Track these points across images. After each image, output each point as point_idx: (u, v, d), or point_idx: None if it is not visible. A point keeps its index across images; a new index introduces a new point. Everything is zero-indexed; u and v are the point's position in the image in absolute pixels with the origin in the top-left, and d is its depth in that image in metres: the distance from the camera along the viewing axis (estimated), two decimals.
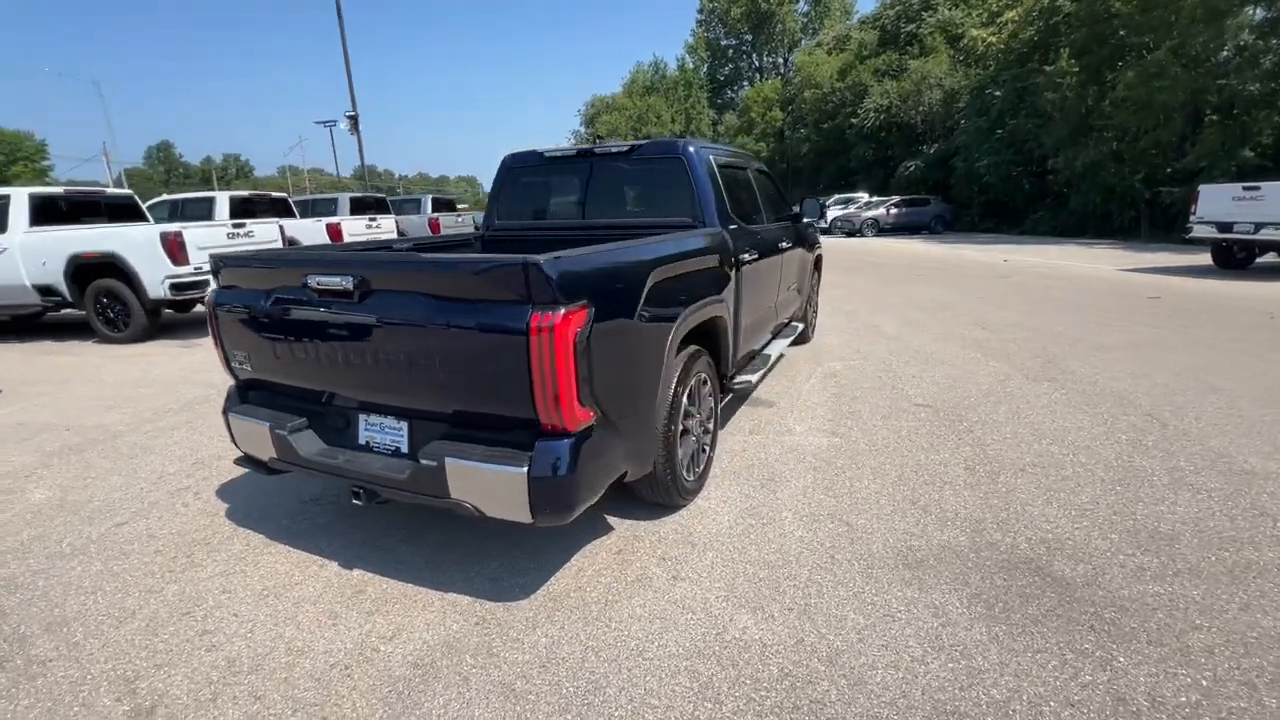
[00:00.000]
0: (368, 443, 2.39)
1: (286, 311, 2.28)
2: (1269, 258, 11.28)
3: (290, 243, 8.71)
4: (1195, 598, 2.18)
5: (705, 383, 3.03)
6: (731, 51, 54.13)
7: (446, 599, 2.31)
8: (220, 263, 2.54)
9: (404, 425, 2.30)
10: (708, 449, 3.13)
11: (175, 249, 6.95)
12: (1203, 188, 10.77)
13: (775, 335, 4.82)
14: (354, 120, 19.80)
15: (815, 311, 6.43)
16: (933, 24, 29.80)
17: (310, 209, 13.31)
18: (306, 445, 2.41)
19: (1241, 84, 15.32)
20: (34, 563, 2.65)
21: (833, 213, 26.81)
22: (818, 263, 6.10)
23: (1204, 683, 1.81)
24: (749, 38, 51.67)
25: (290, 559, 2.62)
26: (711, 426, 3.16)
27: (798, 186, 39.31)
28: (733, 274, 3.34)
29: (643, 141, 3.68)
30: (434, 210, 15.25)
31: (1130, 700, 1.75)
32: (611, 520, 2.83)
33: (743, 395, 4.44)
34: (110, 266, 7.02)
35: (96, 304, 7.25)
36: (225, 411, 2.65)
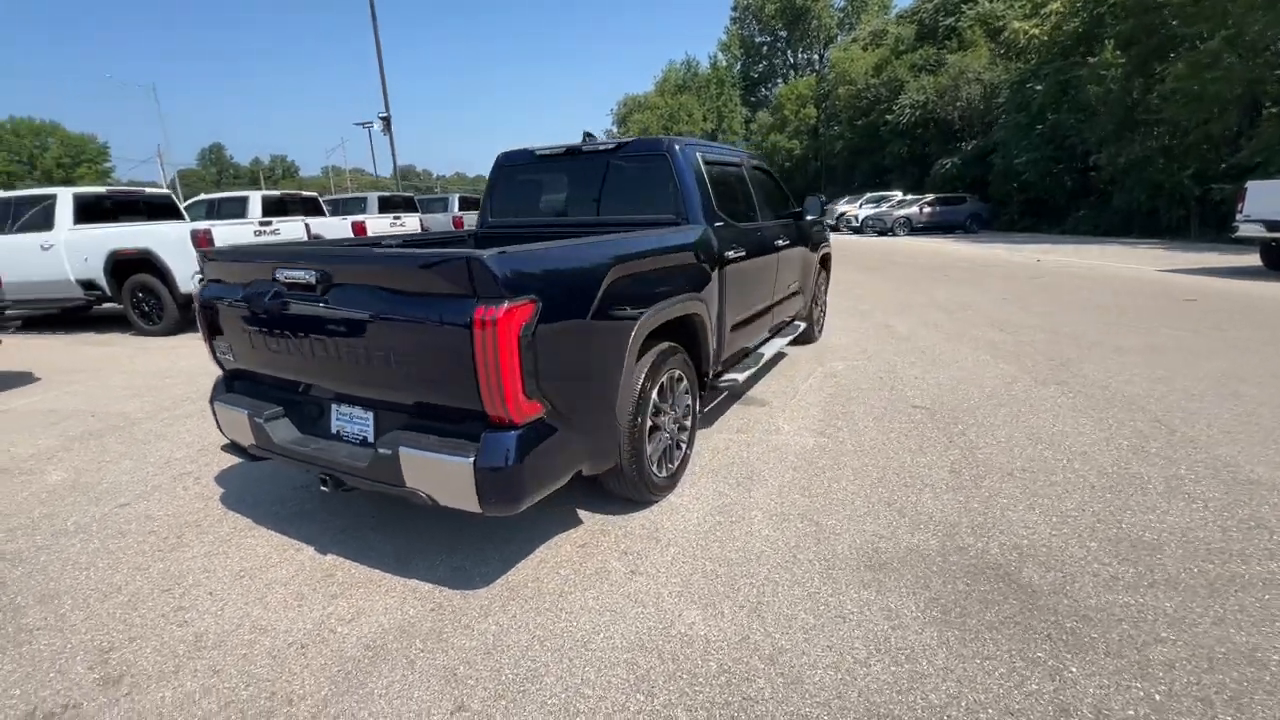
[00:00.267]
0: (338, 432, 2.48)
1: (260, 304, 2.38)
2: None
3: (314, 239, 9.01)
4: (1167, 610, 2.09)
5: (681, 380, 3.03)
6: (766, 48, 53.61)
7: (409, 585, 2.38)
8: (205, 257, 2.67)
9: (370, 415, 2.38)
10: (684, 446, 3.13)
11: (205, 246, 7.27)
12: (1250, 184, 10.14)
13: (774, 334, 4.78)
14: (386, 121, 20.31)
15: (823, 311, 6.33)
16: (972, 17, 28.91)
17: (340, 208, 13.75)
18: (282, 433, 2.51)
19: None
20: (40, 539, 2.82)
21: (864, 211, 26.31)
22: (825, 261, 6.00)
23: (1157, 697, 1.74)
24: (784, 34, 51.04)
25: (271, 542, 2.73)
26: (688, 424, 3.16)
27: (831, 184, 38.72)
28: (715, 271, 3.33)
29: (629, 139, 3.70)
30: (461, 209, 15.50)
31: (1074, 711, 1.70)
32: (582, 514, 2.86)
33: (734, 394, 4.42)
34: (145, 262, 7.40)
35: (133, 298, 7.65)
36: (212, 400, 2.78)
